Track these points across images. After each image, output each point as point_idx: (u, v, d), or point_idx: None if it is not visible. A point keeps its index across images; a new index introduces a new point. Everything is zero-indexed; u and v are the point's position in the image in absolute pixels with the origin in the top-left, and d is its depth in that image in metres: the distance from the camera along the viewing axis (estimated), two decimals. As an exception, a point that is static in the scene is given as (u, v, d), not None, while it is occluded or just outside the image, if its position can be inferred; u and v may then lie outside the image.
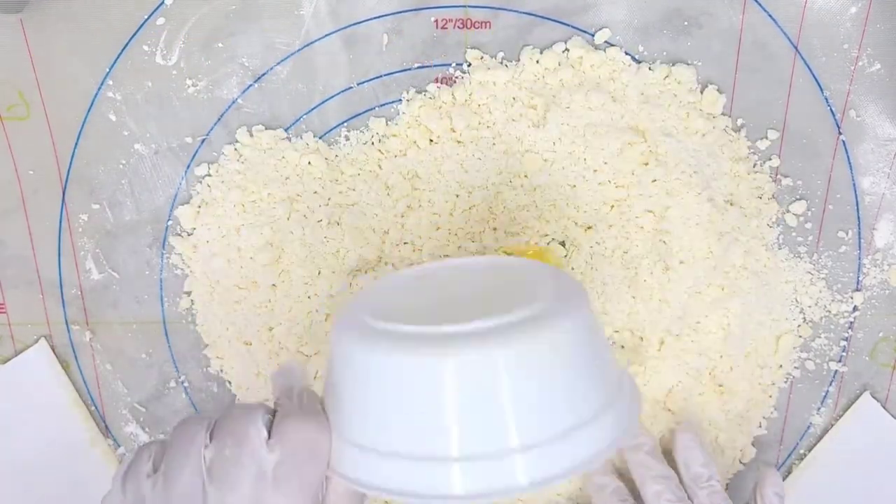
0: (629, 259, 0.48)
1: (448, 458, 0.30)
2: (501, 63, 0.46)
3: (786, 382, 0.51)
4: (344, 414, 0.33)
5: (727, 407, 0.50)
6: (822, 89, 0.46)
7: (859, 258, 0.49)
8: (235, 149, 0.48)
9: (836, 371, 0.51)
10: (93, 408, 0.53)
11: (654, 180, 0.46)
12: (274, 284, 0.49)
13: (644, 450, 0.47)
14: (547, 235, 0.48)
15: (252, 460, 0.32)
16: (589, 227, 0.48)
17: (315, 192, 0.48)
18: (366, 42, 0.46)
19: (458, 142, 0.47)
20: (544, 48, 0.46)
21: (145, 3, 0.45)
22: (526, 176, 0.47)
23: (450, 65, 0.46)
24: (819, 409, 0.52)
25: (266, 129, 0.48)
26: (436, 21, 0.46)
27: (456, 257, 0.47)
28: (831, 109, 0.46)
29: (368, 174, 0.48)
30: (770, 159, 0.47)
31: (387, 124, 0.48)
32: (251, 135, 0.48)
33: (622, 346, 0.50)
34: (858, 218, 0.48)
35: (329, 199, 0.48)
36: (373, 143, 0.48)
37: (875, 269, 0.49)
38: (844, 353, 0.51)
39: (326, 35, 0.46)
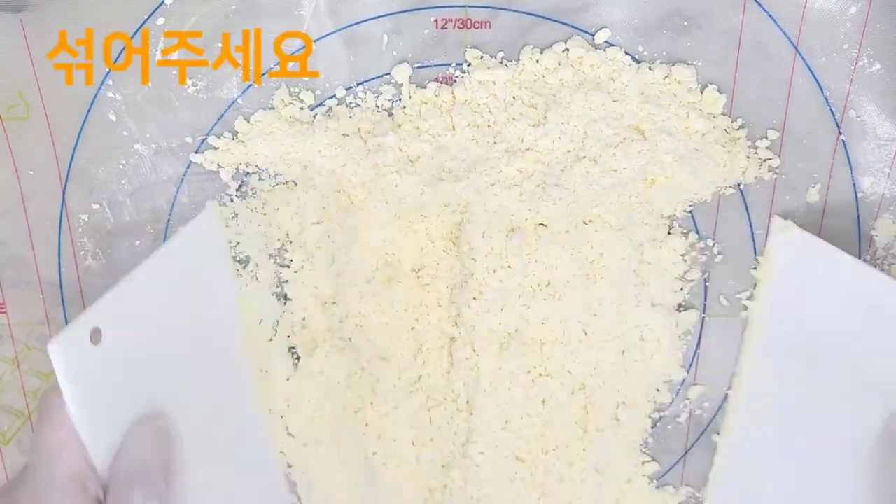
0: (629, 259, 0.48)
1: None
2: (501, 63, 0.46)
3: (786, 382, 0.51)
4: None
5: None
6: (822, 89, 0.46)
7: (859, 258, 0.49)
8: (235, 149, 0.48)
9: (836, 371, 0.51)
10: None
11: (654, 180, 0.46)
12: (274, 284, 0.49)
13: None
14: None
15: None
16: (589, 227, 0.48)
17: (315, 192, 0.48)
18: (366, 42, 0.46)
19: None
20: (544, 48, 0.46)
21: (145, 3, 0.45)
22: (526, 176, 0.47)
23: (450, 65, 0.47)
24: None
25: (266, 129, 0.48)
26: (436, 21, 0.46)
27: None
28: (831, 109, 0.46)
29: (368, 174, 0.48)
30: (770, 159, 0.47)
31: (387, 124, 0.48)
32: (251, 135, 0.48)
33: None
34: (858, 218, 0.48)
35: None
36: (373, 143, 0.48)
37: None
38: (844, 353, 0.50)
39: (326, 35, 0.46)
